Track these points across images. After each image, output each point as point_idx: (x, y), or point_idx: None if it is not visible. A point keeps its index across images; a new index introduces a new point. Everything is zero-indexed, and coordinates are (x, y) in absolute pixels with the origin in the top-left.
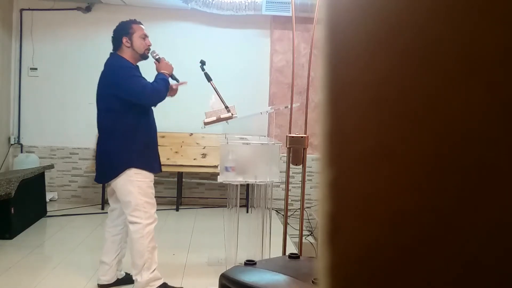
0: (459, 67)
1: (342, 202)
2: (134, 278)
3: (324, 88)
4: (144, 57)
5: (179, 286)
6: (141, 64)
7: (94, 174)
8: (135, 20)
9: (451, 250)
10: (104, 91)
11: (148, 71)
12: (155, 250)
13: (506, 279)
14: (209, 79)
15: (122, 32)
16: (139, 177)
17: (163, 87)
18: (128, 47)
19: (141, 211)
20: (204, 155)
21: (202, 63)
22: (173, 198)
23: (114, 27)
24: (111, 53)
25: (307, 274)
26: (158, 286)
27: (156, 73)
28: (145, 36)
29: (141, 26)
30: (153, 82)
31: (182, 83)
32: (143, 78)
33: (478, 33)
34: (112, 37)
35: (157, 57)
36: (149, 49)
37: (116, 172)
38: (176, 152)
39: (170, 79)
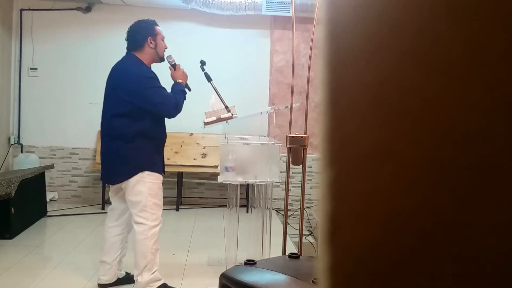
0: (460, 67)
1: (342, 202)
2: (135, 278)
3: (324, 88)
4: (161, 60)
5: (179, 286)
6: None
7: (94, 174)
8: (155, 21)
9: (451, 250)
10: (118, 95)
11: (161, 74)
12: (157, 252)
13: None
14: (209, 79)
15: (147, 32)
16: (152, 178)
17: (182, 100)
18: (152, 48)
19: (148, 212)
20: (204, 155)
21: (202, 63)
22: (173, 198)
23: (114, 27)
24: (127, 53)
25: (307, 274)
26: (158, 287)
27: (166, 77)
28: (163, 39)
29: (160, 28)
30: (174, 94)
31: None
32: (164, 88)
33: (478, 33)
34: (132, 35)
35: (173, 63)
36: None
37: (129, 174)
38: (176, 152)
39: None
